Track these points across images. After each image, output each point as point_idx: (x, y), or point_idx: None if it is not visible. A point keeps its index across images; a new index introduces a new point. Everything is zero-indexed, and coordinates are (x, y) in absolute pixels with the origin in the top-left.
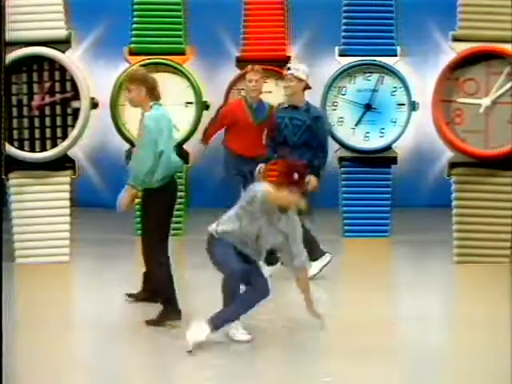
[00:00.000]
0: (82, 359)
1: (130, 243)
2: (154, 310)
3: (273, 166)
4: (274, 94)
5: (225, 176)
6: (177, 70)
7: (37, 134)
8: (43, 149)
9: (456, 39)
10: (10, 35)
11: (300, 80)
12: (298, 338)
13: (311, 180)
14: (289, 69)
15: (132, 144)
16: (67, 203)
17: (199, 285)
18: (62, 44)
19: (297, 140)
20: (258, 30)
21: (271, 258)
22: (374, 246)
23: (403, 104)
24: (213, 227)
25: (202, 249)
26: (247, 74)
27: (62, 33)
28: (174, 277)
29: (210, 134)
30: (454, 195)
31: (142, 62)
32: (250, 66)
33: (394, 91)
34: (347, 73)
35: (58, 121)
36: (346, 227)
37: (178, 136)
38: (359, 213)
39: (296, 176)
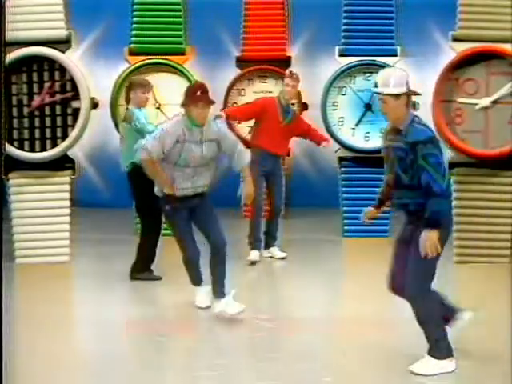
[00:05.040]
0: (82, 358)
1: (129, 243)
2: (154, 309)
3: None
4: (274, 93)
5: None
6: (177, 70)
7: (37, 134)
8: (43, 149)
9: (456, 39)
10: (9, 35)
11: None
12: (298, 337)
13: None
14: None
15: None
16: (67, 203)
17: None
18: (62, 44)
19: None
20: (258, 29)
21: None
22: (373, 246)
23: None
24: None
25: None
26: (285, 78)
27: (61, 33)
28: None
29: (236, 110)
30: (454, 195)
31: (142, 62)
32: (288, 71)
33: None
34: (347, 73)
35: (58, 121)
36: (346, 227)
37: None
38: (359, 213)
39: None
